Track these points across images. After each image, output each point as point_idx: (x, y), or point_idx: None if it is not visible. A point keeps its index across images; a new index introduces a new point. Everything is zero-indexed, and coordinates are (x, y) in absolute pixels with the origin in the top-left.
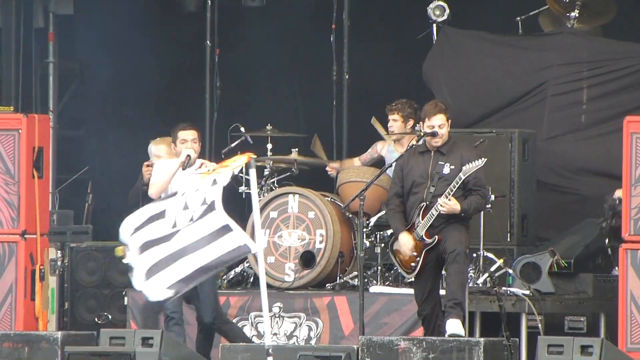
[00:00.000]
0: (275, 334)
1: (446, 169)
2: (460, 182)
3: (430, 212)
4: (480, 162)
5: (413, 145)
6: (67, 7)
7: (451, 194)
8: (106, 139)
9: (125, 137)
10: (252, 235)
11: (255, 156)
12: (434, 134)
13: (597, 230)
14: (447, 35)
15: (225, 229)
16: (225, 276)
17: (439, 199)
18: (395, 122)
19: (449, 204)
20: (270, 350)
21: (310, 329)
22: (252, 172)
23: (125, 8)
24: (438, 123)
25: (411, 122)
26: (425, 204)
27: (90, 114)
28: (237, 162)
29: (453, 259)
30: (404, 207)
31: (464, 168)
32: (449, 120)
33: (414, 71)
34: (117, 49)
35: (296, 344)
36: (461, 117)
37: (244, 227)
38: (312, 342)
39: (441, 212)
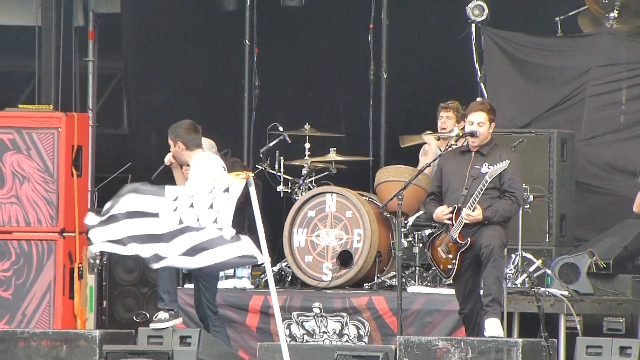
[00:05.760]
0: (324, 332)
1: (484, 169)
2: (486, 185)
3: (461, 217)
4: (504, 164)
5: (451, 145)
6: (112, 4)
7: (476, 201)
8: (146, 137)
9: (165, 136)
10: (290, 235)
11: (253, 174)
12: (472, 134)
13: (636, 231)
14: (492, 37)
15: (235, 238)
16: (263, 275)
17: (462, 210)
18: (449, 119)
19: (472, 215)
20: None
21: (358, 327)
22: (252, 190)
23: (165, 7)
24: (477, 120)
25: (462, 124)
26: (457, 206)
27: (130, 112)
28: (236, 178)
29: (489, 253)
30: (440, 204)
31: (489, 171)
32: (493, 123)
33: (452, 71)
34: (156, 47)
35: (348, 342)
36: (506, 120)
37: (281, 226)
38: (364, 340)
39: (465, 222)
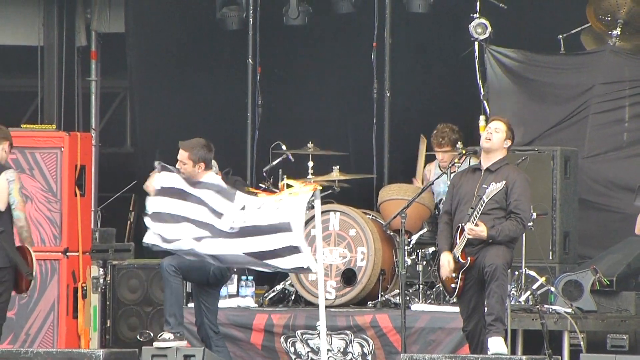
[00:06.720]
0: (329, 350)
1: (491, 187)
2: (484, 205)
3: (464, 233)
4: (499, 185)
5: (454, 162)
6: (115, 24)
7: (476, 219)
8: (151, 156)
9: (169, 155)
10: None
11: (321, 187)
12: (475, 152)
13: (639, 249)
14: (495, 55)
15: (295, 250)
16: (266, 294)
17: (466, 225)
18: (447, 153)
19: (475, 230)
20: None
21: (362, 345)
22: (317, 203)
23: (169, 26)
24: (495, 126)
25: (460, 145)
26: (461, 225)
27: (134, 131)
28: (304, 189)
29: (492, 272)
30: (452, 231)
31: (487, 190)
32: (509, 140)
33: (455, 89)
34: (160, 66)
35: None
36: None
37: None
38: (369, 358)
39: (468, 238)
